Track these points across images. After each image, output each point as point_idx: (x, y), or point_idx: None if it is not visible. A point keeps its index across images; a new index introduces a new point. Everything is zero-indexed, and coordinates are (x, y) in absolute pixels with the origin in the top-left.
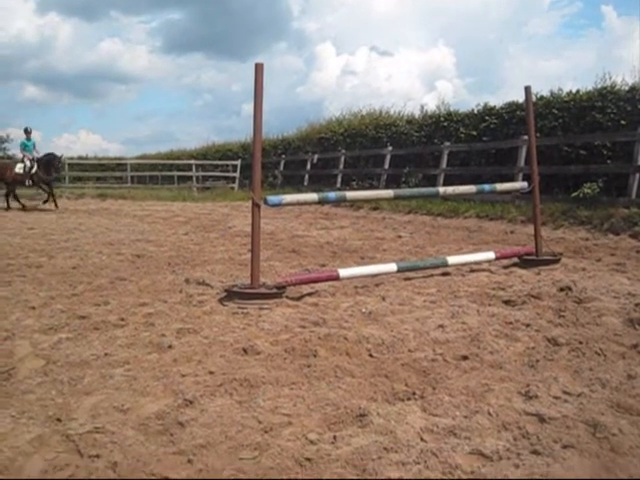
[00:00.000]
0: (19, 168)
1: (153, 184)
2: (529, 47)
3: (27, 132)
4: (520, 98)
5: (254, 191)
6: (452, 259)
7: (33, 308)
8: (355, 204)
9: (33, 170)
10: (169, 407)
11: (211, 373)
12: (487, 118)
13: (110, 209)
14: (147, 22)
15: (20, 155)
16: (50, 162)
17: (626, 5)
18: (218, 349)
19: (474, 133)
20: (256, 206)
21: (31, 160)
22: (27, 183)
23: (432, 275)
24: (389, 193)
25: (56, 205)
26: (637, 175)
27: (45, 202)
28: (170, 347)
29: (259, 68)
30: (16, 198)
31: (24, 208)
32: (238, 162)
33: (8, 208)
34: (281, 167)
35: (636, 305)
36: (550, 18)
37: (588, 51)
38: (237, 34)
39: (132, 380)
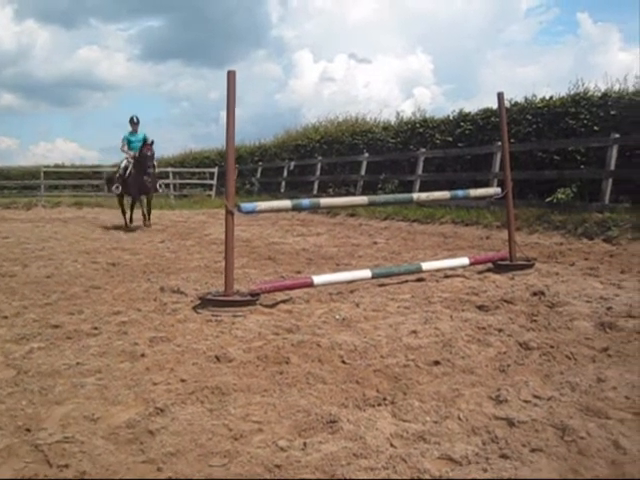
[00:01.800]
0: (120, 170)
1: None
2: (507, 54)
3: (133, 122)
4: (495, 104)
5: (227, 198)
6: (426, 265)
7: (5, 317)
8: (332, 211)
9: (128, 171)
10: (140, 416)
11: (183, 381)
12: (462, 124)
13: (86, 217)
14: (126, 29)
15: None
16: (143, 154)
17: (602, 12)
18: (191, 357)
19: (449, 139)
20: (229, 213)
21: (129, 159)
22: (113, 188)
23: (407, 281)
24: (363, 199)
25: (147, 221)
26: (610, 180)
27: (146, 220)
28: (143, 355)
29: (231, 75)
30: (127, 210)
31: (126, 225)
32: (215, 170)
33: (131, 223)
34: (258, 174)
35: (608, 309)
36: (527, 25)
37: (565, 57)
38: (216, 42)
39: (103, 389)
